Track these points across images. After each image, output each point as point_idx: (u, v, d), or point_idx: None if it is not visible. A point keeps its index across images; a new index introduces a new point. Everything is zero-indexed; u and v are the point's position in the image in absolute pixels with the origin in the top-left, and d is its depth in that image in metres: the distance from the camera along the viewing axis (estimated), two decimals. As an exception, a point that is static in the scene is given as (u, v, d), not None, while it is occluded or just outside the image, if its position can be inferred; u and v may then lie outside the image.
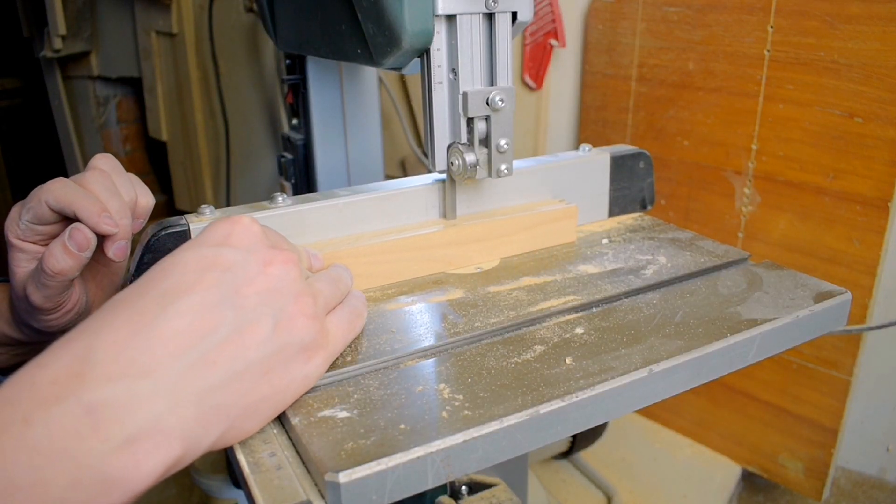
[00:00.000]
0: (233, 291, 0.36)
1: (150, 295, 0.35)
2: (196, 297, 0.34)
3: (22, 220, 0.47)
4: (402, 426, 0.37)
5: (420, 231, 0.56)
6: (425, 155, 0.57)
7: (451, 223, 0.58)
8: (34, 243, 0.48)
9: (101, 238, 0.46)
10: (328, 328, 0.41)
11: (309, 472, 0.35)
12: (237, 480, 0.38)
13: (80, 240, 0.45)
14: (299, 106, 0.88)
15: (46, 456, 0.29)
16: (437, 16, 0.51)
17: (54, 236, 0.47)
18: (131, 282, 0.46)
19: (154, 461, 0.31)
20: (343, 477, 0.33)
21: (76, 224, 0.45)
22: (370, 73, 0.87)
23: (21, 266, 0.48)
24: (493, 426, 0.36)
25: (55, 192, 0.46)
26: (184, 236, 0.47)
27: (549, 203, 0.63)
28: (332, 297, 0.43)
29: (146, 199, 0.50)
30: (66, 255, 0.45)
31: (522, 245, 0.61)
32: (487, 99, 0.53)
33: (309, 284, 0.40)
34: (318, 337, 0.39)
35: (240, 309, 0.35)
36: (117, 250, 0.47)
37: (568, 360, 0.43)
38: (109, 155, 0.51)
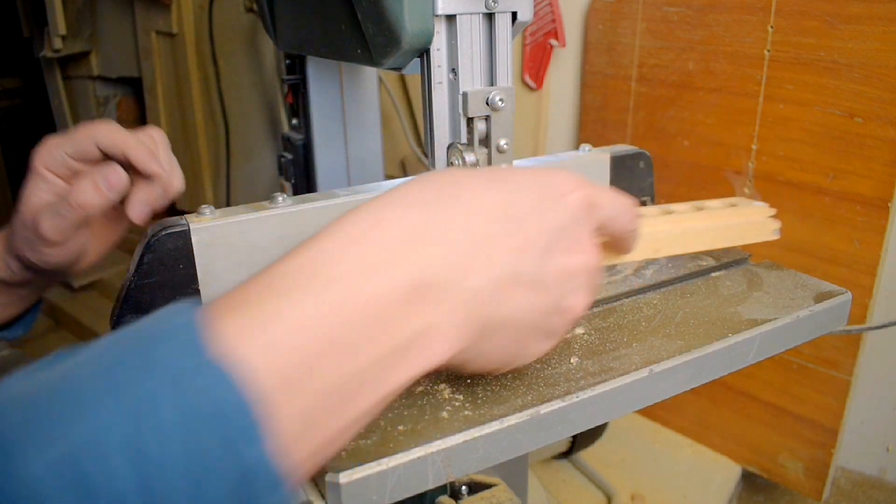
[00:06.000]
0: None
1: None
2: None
3: (60, 151, 0.49)
4: (402, 426, 0.37)
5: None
6: (425, 155, 0.57)
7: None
8: (59, 176, 0.50)
9: (124, 200, 0.49)
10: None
11: (309, 472, 0.35)
12: (237, 480, 0.38)
13: (114, 180, 0.47)
14: (299, 106, 0.88)
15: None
16: (437, 16, 0.50)
17: (77, 176, 0.50)
18: (131, 282, 0.46)
19: None
20: (343, 477, 0.33)
21: (113, 164, 0.48)
22: (370, 73, 0.87)
23: (37, 195, 0.50)
24: (494, 426, 0.36)
25: (109, 133, 0.49)
26: (184, 236, 0.47)
27: (748, 204, 0.57)
28: None
29: (179, 182, 0.52)
30: (95, 192, 0.47)
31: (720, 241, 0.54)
32: (487, 99, 0.53)
33: None
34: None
35: None
36: (140, 213, 0.49)
37: (573, 360, 0.43)
38: (162, 131, 0.54)
